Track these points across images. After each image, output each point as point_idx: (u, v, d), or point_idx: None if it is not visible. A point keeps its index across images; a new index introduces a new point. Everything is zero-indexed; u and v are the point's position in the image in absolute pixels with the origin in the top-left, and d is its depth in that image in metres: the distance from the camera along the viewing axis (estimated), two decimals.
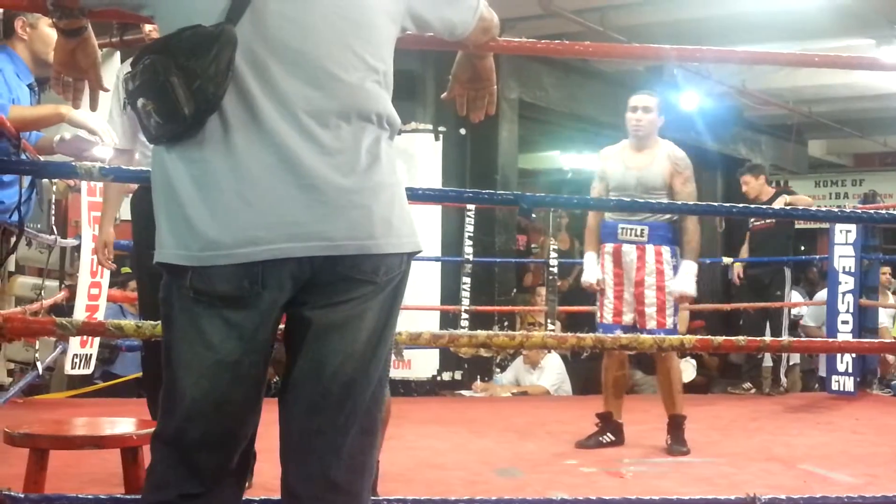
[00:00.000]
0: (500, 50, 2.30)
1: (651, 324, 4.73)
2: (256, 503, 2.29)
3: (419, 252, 1.82)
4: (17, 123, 3.19)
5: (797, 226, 8.22)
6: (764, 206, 6.81)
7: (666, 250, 4.73)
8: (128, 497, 2.29)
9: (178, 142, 1.68)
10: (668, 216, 4.74)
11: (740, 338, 2.41)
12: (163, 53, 1.66)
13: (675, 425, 4.86)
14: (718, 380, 9.02)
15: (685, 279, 4.75)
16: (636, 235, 4.73)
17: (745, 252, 7.73)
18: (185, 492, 1.71)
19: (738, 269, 7.73)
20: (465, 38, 2.01)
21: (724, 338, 2.35)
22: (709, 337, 2.49)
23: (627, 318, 4.80)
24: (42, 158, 3.48)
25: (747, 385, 7.42)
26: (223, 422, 1.72)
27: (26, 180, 3.31)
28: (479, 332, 2.22)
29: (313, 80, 1.70)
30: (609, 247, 4.82)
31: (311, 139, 1.68)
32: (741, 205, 3.33)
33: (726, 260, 8.12)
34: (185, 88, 1.64)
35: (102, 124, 3.43)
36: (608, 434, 4.89)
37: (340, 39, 1.73)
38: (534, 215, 10.11)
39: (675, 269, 4.69)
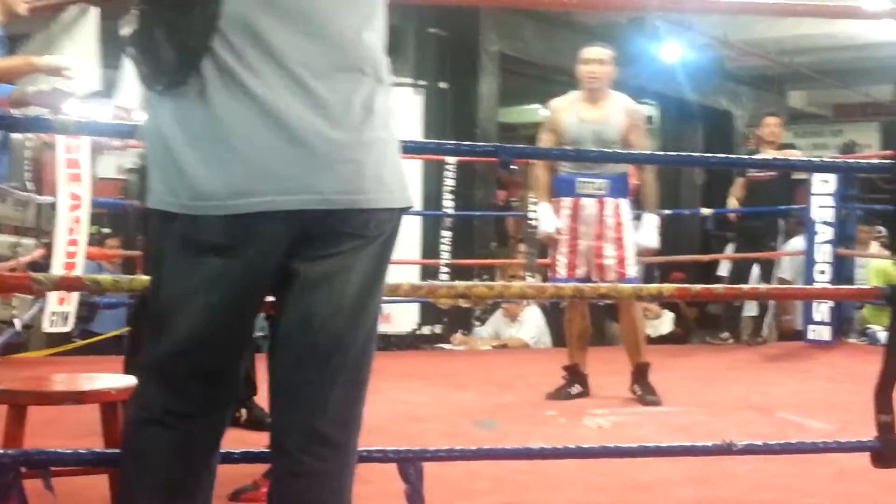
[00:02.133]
0: (481, 2, 2.30)
1: (611, 275, 4.73)
2: (236, 455, 2.30)
3: (410, 207, 1.82)
4: None
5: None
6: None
7: (624, 203, 4.79)
8: (107, 451, 2.30)
9: (167, 91, 1.67)
10: (622, 169, 4.78)
11: (718, 286, 2.44)
12: (148, 4, 1.66)
13: (641, 374, 4.91)
14: (697, 331, 9.08)
15: (648, 232, 4.84)
16: (595, 189, 4.75)
17: (734, 201, 7.68)
18: (171, 408, 1.72)
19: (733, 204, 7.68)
20: None
21: (701, 286, 2.37)
22: (686, 285, 2.51)
23: (580, 271, 4.80)
24: (17, 113, 3.45)
25: (725, 335, 7.47)
26: (208, 359, 1.73)
27: None
28: (457, 282, 2.22)
29: (307, 30, 1.69)
30: (567, 201, 4.82)
31: (303, 91, 1.67)
32: (721, 155, 3.30)
33: (705, 211, 8.15)
34: (168, 41, 1.64)
35: (77, 63, 3.41)
36: (576, 385, 4.96)
37: None
38: (514, 167, 10.09)
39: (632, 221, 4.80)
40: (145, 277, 2.04)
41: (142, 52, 1.66)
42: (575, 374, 4.99)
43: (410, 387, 5.23)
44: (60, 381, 2.60)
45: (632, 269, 4.80)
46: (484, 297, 2.29)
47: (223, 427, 1.80)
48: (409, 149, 2.84)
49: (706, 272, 9.17)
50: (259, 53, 1.65)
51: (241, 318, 1.75)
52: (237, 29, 1.65)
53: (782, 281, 7.64)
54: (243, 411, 4.08)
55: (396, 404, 4.61)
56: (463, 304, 2.15)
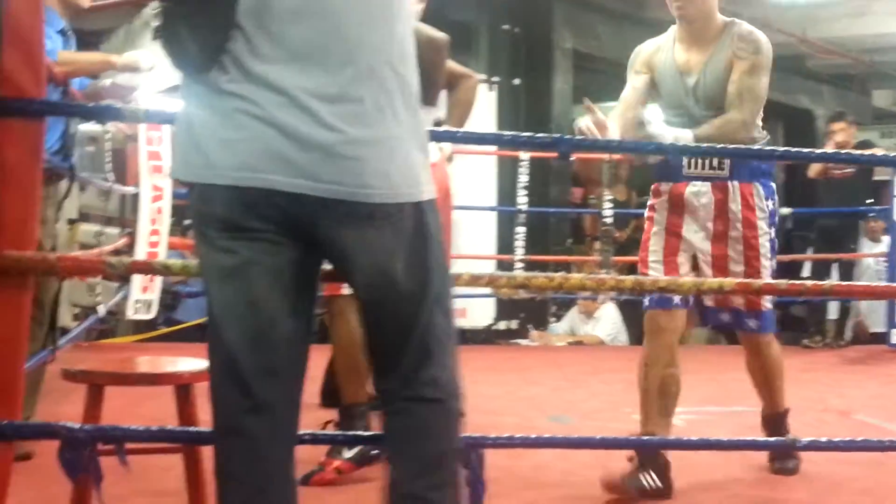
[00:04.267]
0: None
1: (738, 300, 3.25)
2: (306, 438, 2.33)
3: (427, 200, 1.85)
4: (66, 68, 3.26)
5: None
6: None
7: (758, 188, 3.26)
8: (178, 429, 2.36)
9: (193, 77, 1.81)
10: (758, 135, 3.27)
11: (781, 281, 2.40)
12: (172, 2, 1.80)
13: (776, 423, 3.52)
14: (779, 332, 8.94)
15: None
16: (711, 168, 3.26)
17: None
18: (245, 408, 1.79)
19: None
20: None
21: (763, 282, 2.33)
22: (748, 280, 2.47)
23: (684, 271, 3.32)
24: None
25: (818, 338, 7.34)
26: (262, 354, 1.80)
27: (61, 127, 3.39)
28: (517, 273, 2.23)
29: (322, 28, 1.77)
30: (665, 186, 3.31)
31: (313, 89, 1.75)
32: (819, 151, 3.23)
33: (784, 211, 8.02)
34: (191, 37, 1.77)
35: (152, 60, 3.52)
36: (650, 474, 3.10)
37: None
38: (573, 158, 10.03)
39: (773, 216, 3.29)
40: None
41: (167, 47, 1.80)
42: (649, 458, 3.11)
43: (484, 380, 5.24)
44: (137, 363, 2.66)
45: (768, 301, 3.30)
46: (544, 287, 2.29)
47: (298, 414, 1.88)
48: (464, 139, 2.84)
49: (788, 273, 9.03)
50: (277, 49, 1.76)
51: (277, 306, 1.81)
52: (254, 21, 1.76)
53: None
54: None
55: (469, 397, 4.61)
56: (524, 294, 2.14)
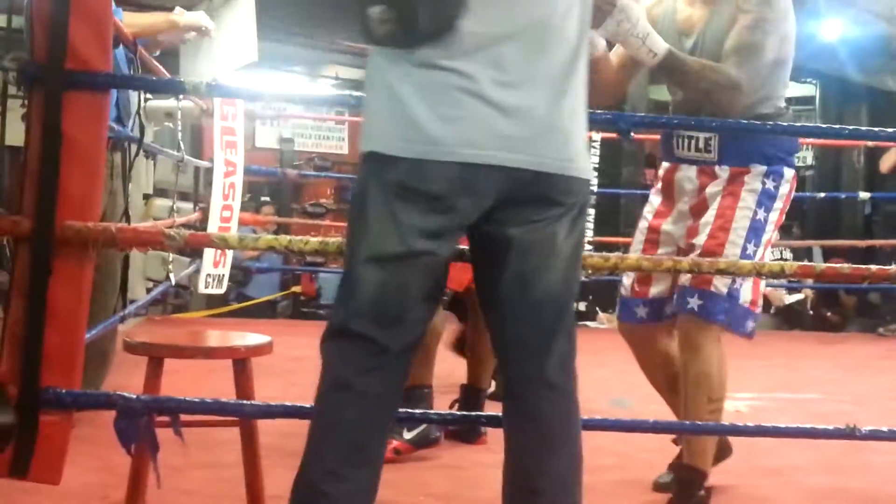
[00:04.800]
0: None
1: (685, 277, 2.73)
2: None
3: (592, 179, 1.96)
4: (133, 30, 3.33)
5: None
6: None
7: (757, 169, 2.77)
8: (233, 402, 2.40)
9: (412, 50, 1.79)
10: (762, 111, 2.74)
11: (844, 265, 2.35)
12: None
13: (687, 487, 2.82)
14: (855, 319, 8.79)
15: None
16: (696, 150, 2.82)
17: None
18: (361, 366, 1.81)
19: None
20: None
21: (826, 265, 2.29)
22: (810, 264, 2.40)
23: (657, 289, 2.86)
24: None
25: (893, 326, 7.19)
26: (398, 313, 1.82)
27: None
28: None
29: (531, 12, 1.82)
30: (662, 168, 2.95)
31: (522, 66, 1.79)
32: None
33: (863, 195, 7.84)
34: (423, 8, 1.75)
35: (211, 23, 3.62)
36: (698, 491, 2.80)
37: None
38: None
39: (770, 197, 2.76)
40: (270, 236, 2.11)
41: (396, 13, 1.76)
42: (692, 474, 2.82)
43: None
44: (197, 336, 2.72)
45: (723, 284, 2.71)
46: (599, 267, 2.28)
47: (406, 378, 1.92)
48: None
49: (867, 259, 8.86)
50: (494, 25, 1.79)
51: (436, 273, 1.85)
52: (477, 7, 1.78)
53: None
54: (493, 383, 4.07)
55: None
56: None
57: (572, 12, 1.87)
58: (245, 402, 2.40)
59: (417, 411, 2.83)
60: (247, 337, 2.59)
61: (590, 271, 2.47)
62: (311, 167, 10.72)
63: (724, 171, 2.77)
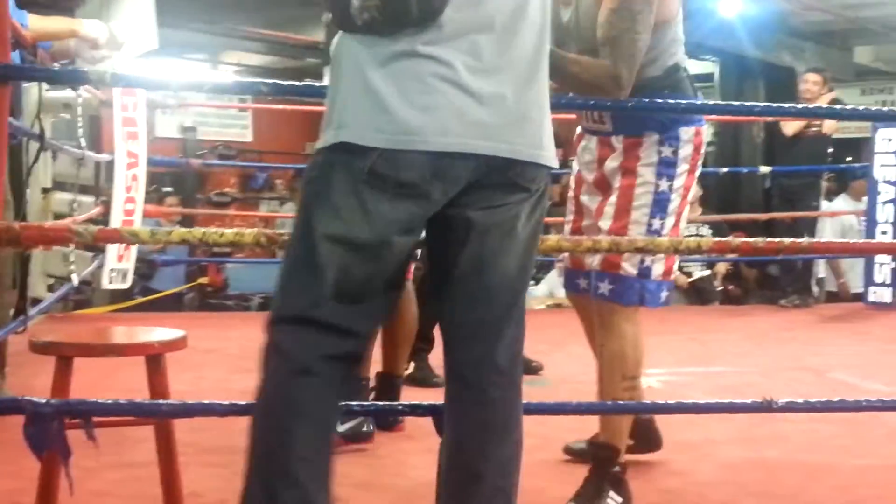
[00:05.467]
0: None
1: (593, 260, 2.72)
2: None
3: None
4: (34, 34, 3.26)
5: (838, 135, 8.01)
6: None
7: (651, 137, 2.67)
8: (147, 402, 2.34)
9: (380, 36, 1.77)
10: (650, 70, 2.64)
11: (759, 239, 2.38)
12: None
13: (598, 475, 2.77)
14: (756, 292, 8.99)
15: None
16: (593, 121, 2.77)
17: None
18: (326, 353, 1.79)
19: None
20: None
21: (742, 239, 2.33)
22: (727, 238, 2.43)
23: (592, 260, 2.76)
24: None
25: (794, 298, 7.35)
26: (364, 300, 1.81)
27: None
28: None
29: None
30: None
31: (495, 54, 1.80)
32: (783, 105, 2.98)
33: (763, 169, 8.00)
34: None
35: (111, 35, 3.57)
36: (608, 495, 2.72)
37: None
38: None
39: (668, 166, 2.67)
40: (184, 229, 2.04)
41: (383, 1, 1.73)
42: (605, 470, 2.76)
43: None
44: (107, 333, 2.64)
45: (631, 266, 2.67)
46: (590, 250, 2.26)
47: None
48: None
49: (767, 232, 9.06)
50: (474, 13, 1.78)
51: (400, 262, 1.85)
52: None
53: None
54: (411, 365, 4.10)
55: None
56: None
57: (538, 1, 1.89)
58: (162, 401, 2.34)
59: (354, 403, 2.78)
60: (158, 332, 2.52)
61: None
62: (215, 156, 10.57)
63: (619, 142, 2.70)
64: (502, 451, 1.90)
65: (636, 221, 2.65)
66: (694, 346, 5.17)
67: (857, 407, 2.66)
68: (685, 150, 2.67)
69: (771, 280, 8.68)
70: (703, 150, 2.72)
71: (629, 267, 2.66)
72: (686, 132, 2.66)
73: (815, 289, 7.52)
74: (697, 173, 2.73)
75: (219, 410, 2.37)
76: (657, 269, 2.69)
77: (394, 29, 1.76)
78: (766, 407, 2.44)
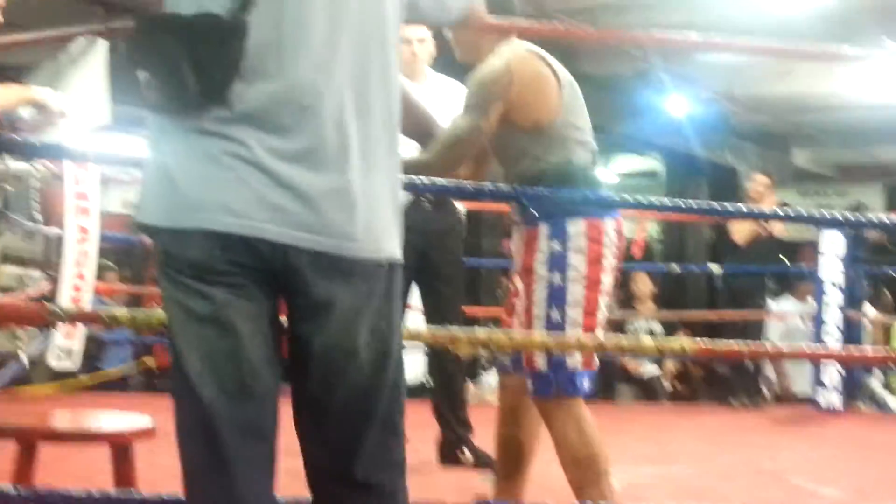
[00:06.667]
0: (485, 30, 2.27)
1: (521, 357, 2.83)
2: None
3: (397, 261, 1.75)
4: None
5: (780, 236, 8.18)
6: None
7: (544, 229, 2.77)
8: (116, 493, 2.23)
9: (181, 117, 1.66)
10: (533, 167, 2.81)
11: (720, 341, 2.35)
12: (174, 34, 1.63)
13: None
14: (705, 390, 9.00)
15: None
16: (513, 211, 2.95)
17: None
18: (222, 471, 1.65)
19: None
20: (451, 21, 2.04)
21: (725, 345, 2.30)
22: (709, 344, 2.36)
23: None
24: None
25: (743, 398, 7.36)
26: (244, 410, 1.66)
27: None
28: (477, 329, 2.16)
29: (313, 71, 1.67)
30: None
31: (296, 134, 1.65)
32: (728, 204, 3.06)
33: (714, 268, 8.09)
34: (195, 75, 1.61)
35: (66, 103, 3.49)
36: None
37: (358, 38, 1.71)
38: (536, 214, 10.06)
39: (558, 258, 2.74)
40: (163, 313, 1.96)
41: (160, 80, 1.64)
42: None
43: (419, 437, 5.13)
44: (71, 418, 2.53)
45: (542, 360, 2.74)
46: (504, 347, 2.22)
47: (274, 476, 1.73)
48: (413, 187, 2.70)
49: (712, 331, 9.12)
50: (270, 87, 1.65)
51: (252, 355, 1.68)
52: (254, 64, 1.64)
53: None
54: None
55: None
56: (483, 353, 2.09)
57: (370, 77, 1.72)
58: (134, 493, 2.23)
59: None
60: (126, 419, 2.43)
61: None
62: None
63: (522, 234, 2.82)
64: None
65: (537, 316, 2.73)
66: (649, 445, 5.13)
67: None
68: (576, 242, 2.73)
69: (719, 379, 8.70)
70: (607, 242, 2.77)
71: (540, 363, 2.72)
72: (574, 225, 2.74)
73: (763, 390, 7.55)
74: (606, 263, 2.76)
75: None
76: (572, 361, 2.72)
77: (178, 107, 1.65)
78: None
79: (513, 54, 2.79)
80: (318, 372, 1.70)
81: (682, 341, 2.54)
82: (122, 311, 2.09)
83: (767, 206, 7.17)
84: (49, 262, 5.79)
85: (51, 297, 5.32)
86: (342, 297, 1.67)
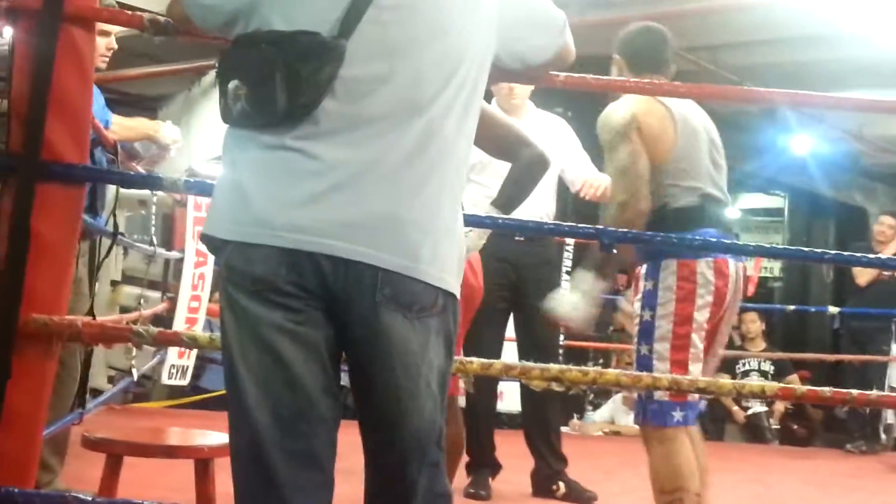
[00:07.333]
0: (592, 86, 2.29)
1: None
2: None
3: (455, 295, 1.77)
4: (116, 136, 3.35)
5: None
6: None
7: (642, 269, 2.96)
8: None
9: (253, 128, 1.71)
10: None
11: (826, 388, 2.31)
12: (275, 46, 1.69)
13: None
14: (822, 434, 8.75)
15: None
16: None
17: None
18: (275, 499, 1.67)
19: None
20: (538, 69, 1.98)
21: (808, 388, 2.27)
22: (791, 385, 2.36)
23: None
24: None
25: (860, 443, 7.11)
26: (297, 439, 1.68)
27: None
28: (551, 365, 2.18)
29: (397, 103, 1.71)
30: None
31: (377, 155, 1.69)
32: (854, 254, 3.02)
33: (832, 309, 7.87)
34: (286, 88, 1.66)
35: (176, 135, 3.75)
36: None
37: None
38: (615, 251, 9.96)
39: (649, 296, 2.91)
40: None
41: (252, 89, 1.68)
42: None
43: (516, 467, 5.14)
44: (158, 433, 2.64)
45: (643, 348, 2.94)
46: (577, 382, 2.24)
47: None
48: (503, 226, 2.74)
49: (833, 372, 8.86)
50: (351, 112, 1.69)
51: (309, 381, 1.70)
52: (341, 87, 1.69)
53: (893, 389, 7.26)
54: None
55: (501, 483, 4.54)
56: (556, 387, 2.09)
57: (445, 100, 1.74)
58: None
59: None
60: (209, 436, 2.52)
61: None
62: None
63: (635, 273, 2.99)
64: None
65: (635, 349, 2.94)
66: (757, 487, 5.01)
67: None
68: (667, 282, 2.86)
69: (837, 422, 8.44)
70: (702, 281, 2.85)
71: (636, 391, 2.99)
72: (668, 265, 2.86)
73: (882, 435, 7.28)
74: (700, 301, 2.85)
75: None
76: (660, 393, 2.79)
77: (265, 121, 1.68)
78: None
79: (636, 98, 2.89)
80: (378, 409, 1.73)
81: (764, 384, 2.50)
82: (202, 335, 2.18)
83: (895, 248, 7.00)
84: (167, 283, 6.02)
85: (168, 317, 5.54)
86: (400, 330, 1.69)
